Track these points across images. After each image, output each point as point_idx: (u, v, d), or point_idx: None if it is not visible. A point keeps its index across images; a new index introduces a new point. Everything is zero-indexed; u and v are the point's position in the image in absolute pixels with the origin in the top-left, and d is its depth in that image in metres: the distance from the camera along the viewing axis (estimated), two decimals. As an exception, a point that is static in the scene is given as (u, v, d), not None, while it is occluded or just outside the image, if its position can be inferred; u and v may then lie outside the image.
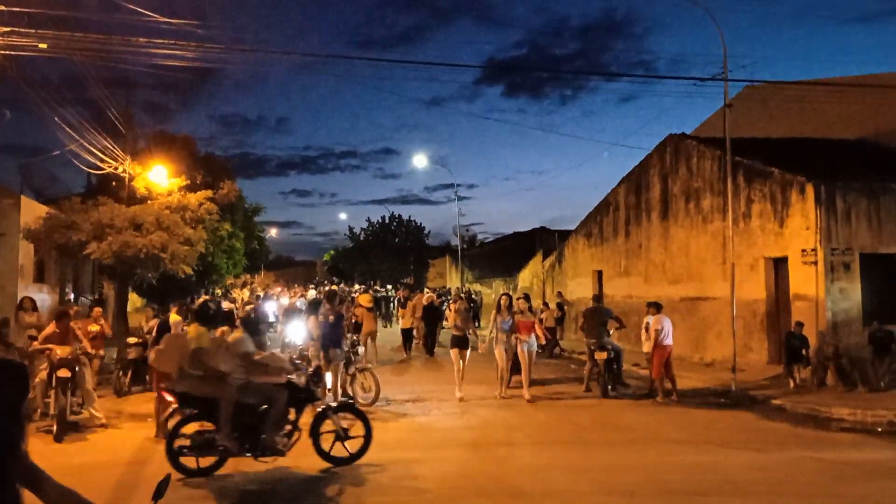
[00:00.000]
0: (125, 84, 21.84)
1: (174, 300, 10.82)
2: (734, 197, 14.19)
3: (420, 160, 36.88)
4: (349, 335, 12.25)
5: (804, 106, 18.90)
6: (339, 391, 11.54)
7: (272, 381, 7.29)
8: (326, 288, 23.98)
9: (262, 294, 37.41)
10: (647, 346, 12.46)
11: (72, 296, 21.42)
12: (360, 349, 12.27)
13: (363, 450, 7.41)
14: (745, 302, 14.42)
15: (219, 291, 32.26)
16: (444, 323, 20.12)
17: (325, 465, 7.38)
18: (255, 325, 8.05)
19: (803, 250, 13.46)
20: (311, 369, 7.87)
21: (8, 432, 2.00)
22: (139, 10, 12.32)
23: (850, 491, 6.83)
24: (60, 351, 9.34)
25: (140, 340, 12.82)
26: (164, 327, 10.08)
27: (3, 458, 1.97)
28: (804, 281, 13.48)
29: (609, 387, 12.21)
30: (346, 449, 7.42)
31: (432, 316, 18.82)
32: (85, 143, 16.56)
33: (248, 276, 50.74)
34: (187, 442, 7.07)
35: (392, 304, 31.62)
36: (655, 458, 8.02)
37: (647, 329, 12.51)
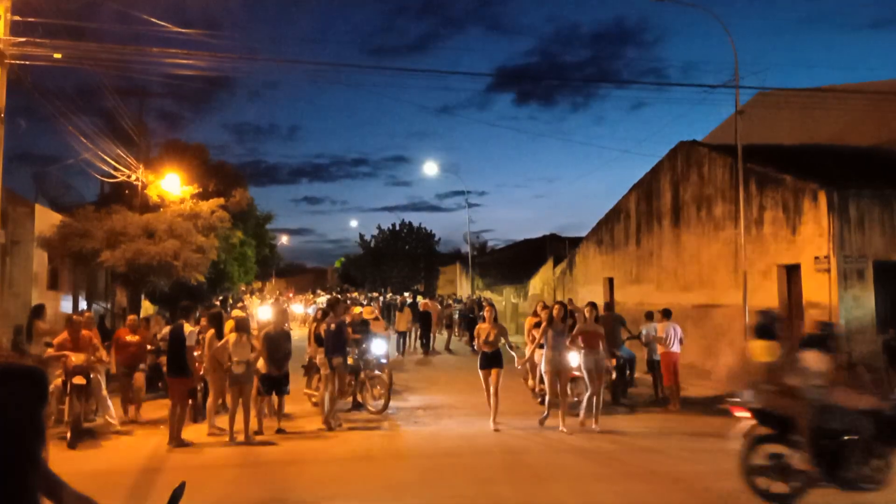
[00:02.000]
0: (138, 93, 22.09)
1: (182, 308, 10.60)
2: (746, 204, 14.14)
3: (431, 167, 36.90)
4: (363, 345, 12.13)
5: (816, 113, 18.83)
6: (350, 399, 11.58)
7: (857, 406, 6.61)
8: (332, 295, 24.43)
9: (281, 300, 37.33)
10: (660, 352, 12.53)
11: (84, 304, 21.57)
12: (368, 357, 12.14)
13: None
14: (757, 309, 14.29)
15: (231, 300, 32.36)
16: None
17: None
18: (825, 340, 7.20)
19: (816, 258, 13.39)
20: None
21: (28, 440, 2.00)
22: (153, 20, 12.48)
23: (865, 500, 6.76)
24: (75, 358, 9.44)
25: (153, 348, 12.86)
26: (177, 335, 9.87)
27: (24, 466, 1.97)
28: (817, 288, 13.40)
29: (620, 394, 12.27)
30: None
31: (426, 320, 22.35)
32: (98, 152, 16.76)
33: (260, 283, 50.98)
34: (764, 462, 6.62)
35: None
36: (664, 467, 7.98)
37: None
